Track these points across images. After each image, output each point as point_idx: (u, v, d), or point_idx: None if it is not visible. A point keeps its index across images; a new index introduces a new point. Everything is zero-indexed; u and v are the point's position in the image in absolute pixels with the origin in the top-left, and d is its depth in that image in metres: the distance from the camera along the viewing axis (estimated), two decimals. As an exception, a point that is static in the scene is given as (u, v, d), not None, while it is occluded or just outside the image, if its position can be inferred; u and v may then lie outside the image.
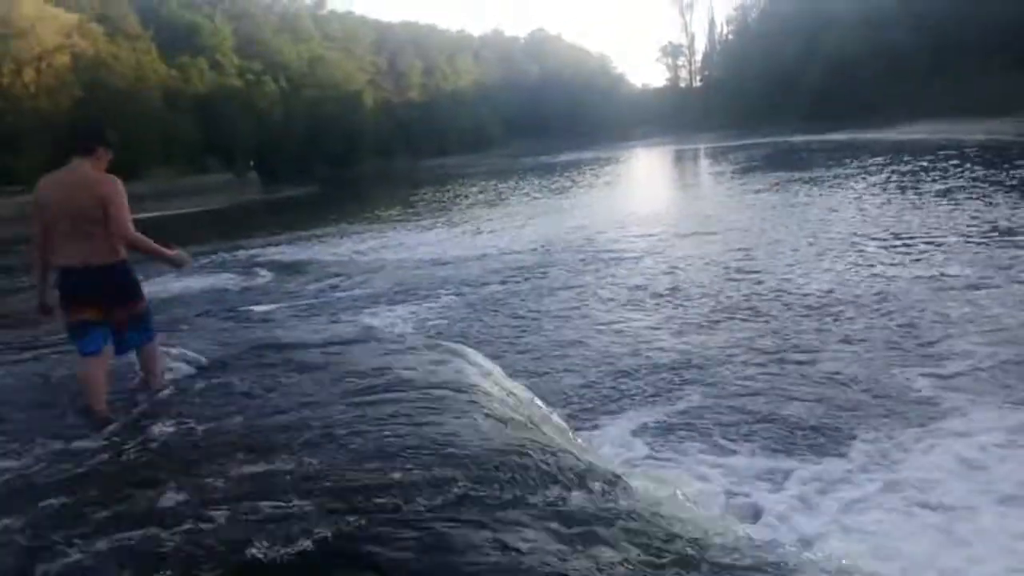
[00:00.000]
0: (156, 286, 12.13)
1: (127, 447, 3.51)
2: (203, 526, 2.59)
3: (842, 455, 4.69)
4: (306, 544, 2.44)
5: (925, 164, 23.14)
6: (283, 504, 2.74)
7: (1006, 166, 19.74)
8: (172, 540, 2.51)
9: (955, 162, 22.41)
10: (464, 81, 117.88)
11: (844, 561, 3.28)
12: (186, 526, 2.60)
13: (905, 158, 25.79)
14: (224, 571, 2.34)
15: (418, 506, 2.73)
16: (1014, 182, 16.79)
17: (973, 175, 18.94)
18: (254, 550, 2.40)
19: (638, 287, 10.34)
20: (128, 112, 62.54)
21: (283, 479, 2.98)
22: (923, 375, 5.94)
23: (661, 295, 9.73)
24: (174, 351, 4.98)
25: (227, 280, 13.50)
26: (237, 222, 30.85)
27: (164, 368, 4.57)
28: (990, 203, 14.28)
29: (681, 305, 9.13)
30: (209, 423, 3.72)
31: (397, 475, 2.98)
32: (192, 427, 3.68)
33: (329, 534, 2.50)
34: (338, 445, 3.34)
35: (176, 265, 4.46)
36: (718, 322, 8.18)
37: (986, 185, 16.80)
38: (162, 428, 3.69)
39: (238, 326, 6.59)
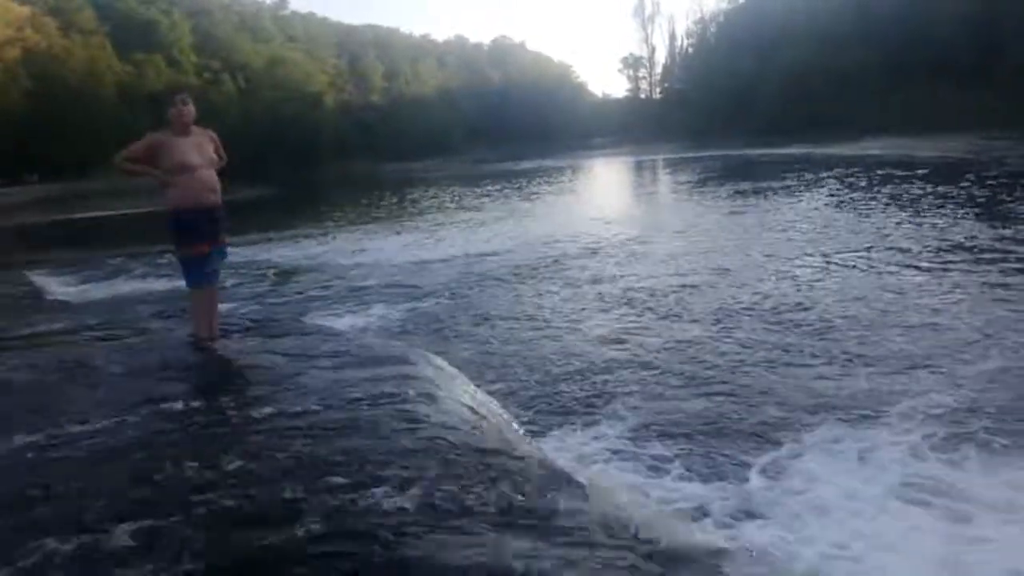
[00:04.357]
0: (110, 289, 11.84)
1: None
2: (152, 524, 2.52)
3: (790, 459, 4.78)
4: (264, 542, 2.39)
5: (878, 180, 23.75)
6: (240, 504, 2.68)
7: (958, 182, 20.33)
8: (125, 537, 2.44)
9: (907, 178, 23.03)
10: (427, 86, 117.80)
11: (793, 562, 3.34)
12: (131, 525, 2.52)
13: (859, 173, 26.41)
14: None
15: (375, 508, 2.70)
16: (963, 198, 17.31)
17: (924, 191, 19.47)
18: (209, 549, 2.35)
19: (598, 294, 10.41)
20: (81, 108, 61.25)
21: (238, 478, 2.92)
22: (861, 375, 6.11)
23: (622, 302, 9.81)
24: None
25: (179, 283, 13.23)
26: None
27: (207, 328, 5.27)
28: (939, 218, 14.69)
29: (639, 311, 9.22)
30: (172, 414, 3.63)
31: (353, 477, 2.95)
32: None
33: (286, 533, 2.46)
34: (296, 444, 3.29)
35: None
36: (674, 328, 8.27)
37: (937, 201, 17.28)
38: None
39: (184, 326, 6.44)
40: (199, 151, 4.99)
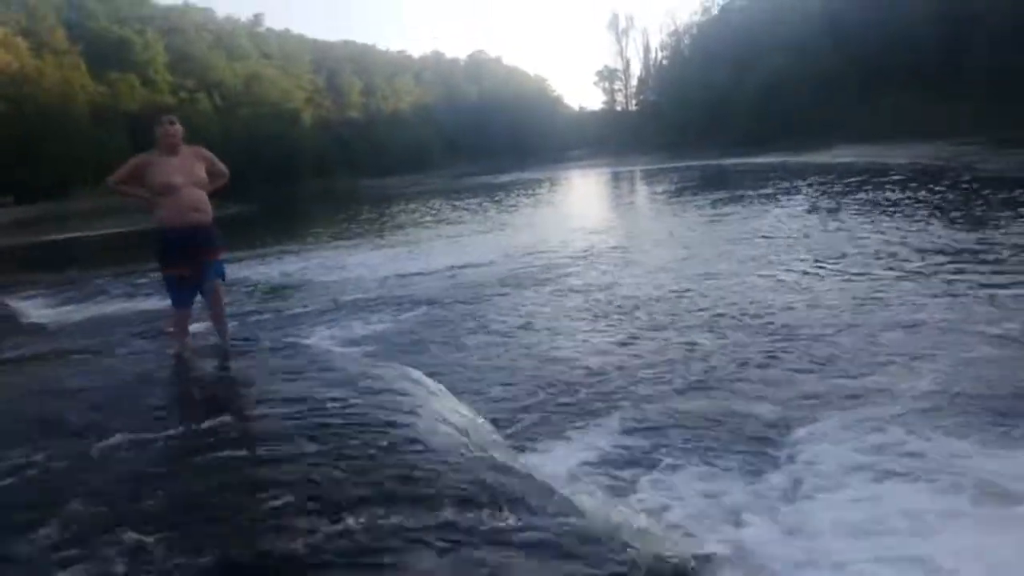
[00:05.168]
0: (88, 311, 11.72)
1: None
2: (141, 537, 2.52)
3: (780, 468, 4.81)
4: (244, 559, 2.39)
5: (852, 187, 24.03)
6: (226, 520, 2.68)
7: (930, 188, 20.62)
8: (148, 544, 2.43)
9: (881, 185, 23.33)
10: (404, 101, 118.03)
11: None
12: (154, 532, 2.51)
13: (833, 181, 26.74)
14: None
15: (362, 525, 2.70)
16: (936, 204, 17.56)
17: (897, 197, 19.72)
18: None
19: (574, 308, 10.43)
20: (55, 128, 60.70)
21: (223, 493, 2.92)
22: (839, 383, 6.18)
23: (607, 311, 9.84)
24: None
25: (157, 304, 13.13)
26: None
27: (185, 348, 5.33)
28: (912, 223, 14.89)
29: (624, 320, 9.25)
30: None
31: (339, 495, 2.94)
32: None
33: (271, 550, 2.46)
34: (274, 462, 3.28)
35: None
36: (647, 342, 8.28)
37: (911, 207, 17.52)
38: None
39: (164, 346, 6.41)
40: (185, 171, 5.05)
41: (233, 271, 17.22)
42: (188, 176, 5.06)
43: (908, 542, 3.65)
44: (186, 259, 5.08)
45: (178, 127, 5.11)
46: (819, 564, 3.50)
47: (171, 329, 5.51)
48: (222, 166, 5.39)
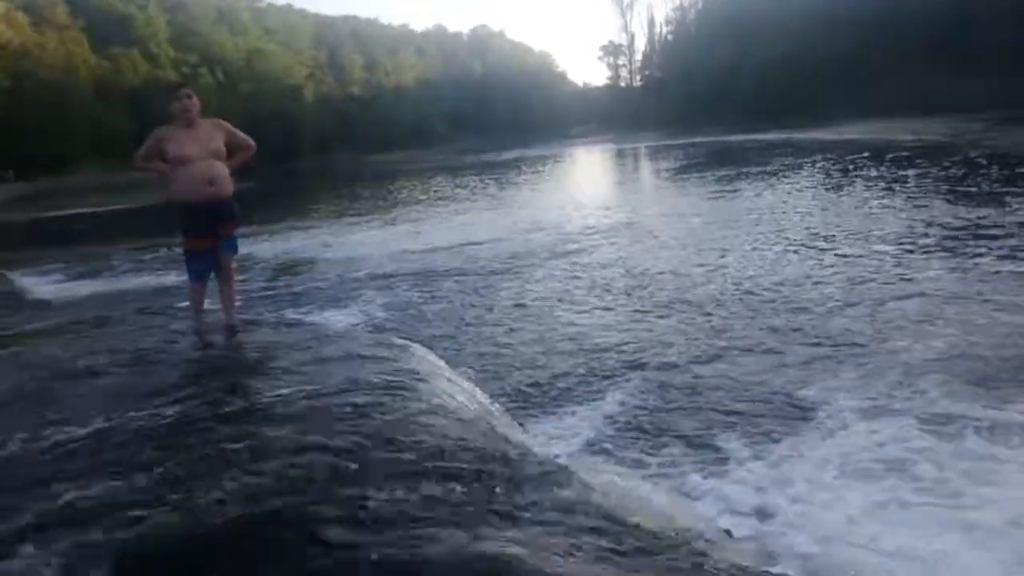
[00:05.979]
0: (92, 286, 11.72)
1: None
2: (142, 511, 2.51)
3: (782, 441, 4.82)
4: (256, 523, 2.39)
5: (857, 163, 23.90)
6: (233, 486, 2.68)
7: (934, 165, 20.49)
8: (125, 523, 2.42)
9: (886, 162, 23.19)
10: (407, 76, 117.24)
11: (798, 548, 3.37)
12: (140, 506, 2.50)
13: (838, 158, 26.56)
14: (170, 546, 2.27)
15: (366, 498, 2.69)
16: (940, 179, 17.45)
17: (902, 173, 19.61)
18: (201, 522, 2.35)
19: (582, 283, 10.43)
20: (56, 103, 60.44)
21: (232, 461, 2.92)
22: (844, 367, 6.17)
23: (604, 290, 9.83)
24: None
25: (163, 279, 13.15)
26: (171, 219, 29.94)
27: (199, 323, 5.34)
28: (919, 200, 14.81)
29: (631, 298, 9.25)
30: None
31: (344, 467, 2.94)
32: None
33: (278, 514, 2.46)
34: (279, 436, 3.27)
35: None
36: (659, 316, 8.30)
37: (915, 182, 17.42)
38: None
39: (170, 321, 6.41)
40: (200, 143, 5.05)
41: (240, 248, 17.22)
42: (204, 148, 5.06)
43: (931, 478, 3.98)
44: (203, 231, 5.11)
45: (195, 101, 5.13)
46: (848, 507, 3.62)
47: (188, 303, 5.55)
48: (244, 136, 5.36)
